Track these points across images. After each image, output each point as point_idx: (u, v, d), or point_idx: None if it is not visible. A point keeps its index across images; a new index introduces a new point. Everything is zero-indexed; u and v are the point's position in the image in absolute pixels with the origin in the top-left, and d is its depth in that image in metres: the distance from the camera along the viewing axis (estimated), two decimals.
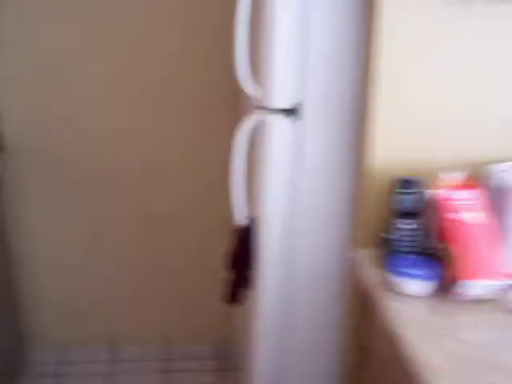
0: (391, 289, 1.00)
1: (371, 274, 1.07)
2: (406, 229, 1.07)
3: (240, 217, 1.29)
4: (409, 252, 1.05)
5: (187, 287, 2.09)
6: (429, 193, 1.07)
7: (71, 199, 1.98)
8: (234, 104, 1.82)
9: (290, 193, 1.19)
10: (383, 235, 1.10)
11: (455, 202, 1.02)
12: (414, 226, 1.07)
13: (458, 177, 1.05)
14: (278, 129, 1.15)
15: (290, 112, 1.13)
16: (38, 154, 1.92)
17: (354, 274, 1.16)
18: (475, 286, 0.96)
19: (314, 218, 1.22)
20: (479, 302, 0.97)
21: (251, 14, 1.19)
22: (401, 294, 0.99)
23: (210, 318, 2.09)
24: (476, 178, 1.07)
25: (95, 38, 1.81)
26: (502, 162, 1.08)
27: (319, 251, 1.24)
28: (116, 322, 2.13)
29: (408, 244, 1.07)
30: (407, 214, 1.07)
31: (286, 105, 1.13)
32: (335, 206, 1.21)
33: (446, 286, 0.99)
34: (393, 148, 1.10)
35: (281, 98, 1.13)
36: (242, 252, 1.31)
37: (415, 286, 0.99)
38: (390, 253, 1.07)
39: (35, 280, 2.05)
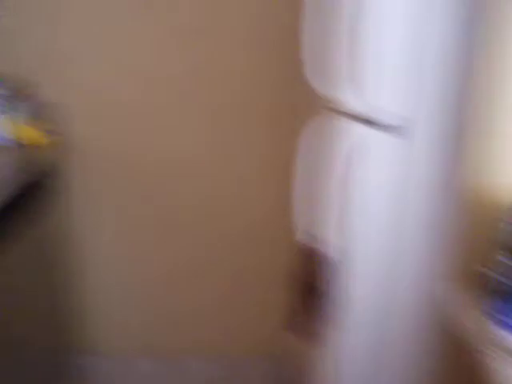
0: (494, 342, 0.82)
1: (467, 319, 0.89)
2: None
3: (303, 235, 1.16)
4: None
5: (243, 299, 2.06)
6: None
7: (135, 202, 1.98)
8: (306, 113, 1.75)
9: (382, 223, 1.05)
10: (484, 270, 0.95)
11: None
12: None
13: None
14: (381, 148, 1.02)
15: (397, 129, 1.01)
16: (104, 156, 1.92)
17: (446, 317, 1.01)
18: None
19: (406, 252, 1.07)
20: None
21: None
22: (508, 352, 0.79)
23: (265, 331, 2.06)
24: None
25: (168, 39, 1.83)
26: None
27: (411, 285, 1.09)
28: (169, 334, 2.10)
29: None
30: None
31: (392, 120, 1.00)
32: (428, 235, 1.07)
33: None
34: (506, 172, 0.97)
35: (386, 112, 1.00)
36: (308, 276, 1.18)
37: None
38: (492, 294, 0.91)
39: (89, 289, 2.04)
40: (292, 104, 1.85)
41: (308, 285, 1.18)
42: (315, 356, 1.33)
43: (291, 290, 1.21)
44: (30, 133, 1.73)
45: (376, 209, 1.05)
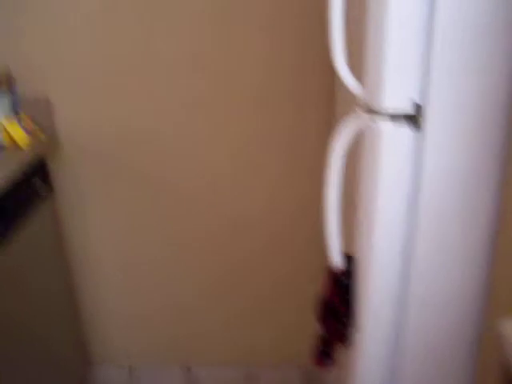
0: None
1: None
2: None
3: (335, 255, 0.99)
4: None
5: (272, 308, 1.94)
6: None
7: (131, 205, 1.81)
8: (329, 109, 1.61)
9: (405, 227, 0.89)
10: None
11: None
12: None
13: None
14: (392, 140, 0.85)
15: (409, 118, 0.84)
16: (95, 155, 1.75)
17: (493, 354, 0.84)
18: None
19: (435, 263, 0.91)
20: None
21: None
22: None
23: (296, 341, 1.95)
24: None
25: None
26: None
27: (440, 310, 0.93)
28: (192, 343, 1.99)
29: None
30: None
31: (403, 108, 0.83)
32: (466, 248, 0.90)
33: None
34: None
35: (396, 99, 0.83)
36: (337, 302, 1.01)
37: None
38: None
39: (102, 296, 1.93)
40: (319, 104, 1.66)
41: (333, 310, 1.02)
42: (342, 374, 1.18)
43: (318, 317, 1.06)
44: (11, 130, 1.56)
45: (393, 213, 0.88)
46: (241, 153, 1.72)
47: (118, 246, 1.85)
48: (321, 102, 1.65)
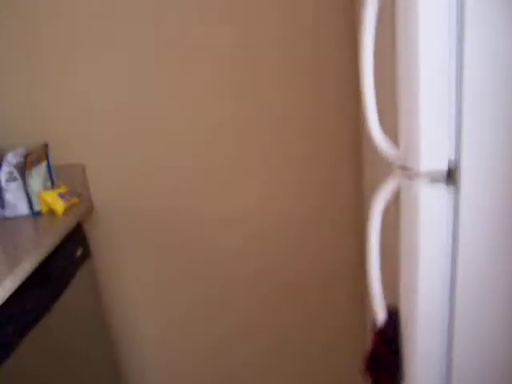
0: None
1: None
2: None
3: (378, 308, 1.02)
4: None
5: (313, 358, 1.94)
6: None
7: (166, 263, 1.86)
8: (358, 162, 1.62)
9: (446, 281, 0.91)
10: None
11: None
12: None
13: None
14: (429, 197, 0.88)
15: (446, 176, 0.87)
16: (129, 216, 1.81)
17: None
18: None
19: (479, 314, 0.93)
20: None
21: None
22: None
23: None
24: None
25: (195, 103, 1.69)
26: None
27: (487, 359, 0.94)
28: None
29: None
30: None
31: (439, 167, 0.86)
32: (507, 300, 0.92)
33: None
34: None
35: (431, 158, 0.86)
36: (383, 353, 1.03)
37: None
38: None
39: (140, 352, 1.96)
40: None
41: (381, 366, 1.04)
42: None
43: (366, 371, 1.07)
44: (48, 198, 1.62)
45: (433, 270, 0.91)
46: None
47: (153, 303, 1.88)
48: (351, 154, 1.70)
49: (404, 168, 0.91)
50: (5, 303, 1.25)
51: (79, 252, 1.70)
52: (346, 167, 1.71)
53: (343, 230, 1.77)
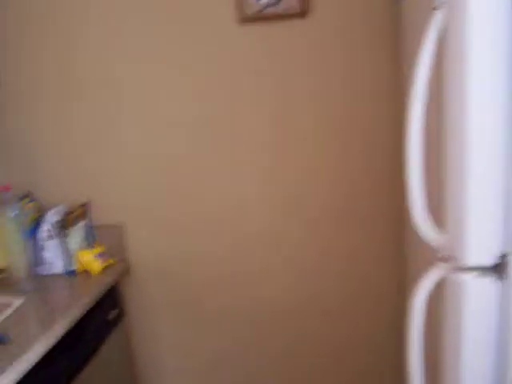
0: None
1: None
2: None
3: None
4: None
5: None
6: None
7: (199, 323, 1.83)
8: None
9: (496, 378, 0.86)
10: None
11: None
12: None
13: None
14: (475, 290, 0.84)
15: (494, 269, 0.83)
16: (162, 276, 1.79)
17: None
18: None
19: None
20: None
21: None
22: None
23: None
24: None
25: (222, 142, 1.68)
26: None
27: None
28: None
29: None
30: None
31: (487, 260, 0.83)
32: None
33: None
34: None
35: (480, 251, 0.83)
36: None
37: None
38: None
39: None
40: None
41: None
42: None
43: None
44: (84, 257, 1.63)
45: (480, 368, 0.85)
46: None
47: (188, 361, 1.85)
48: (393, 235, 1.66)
49: (449, 258, 0.87)
50: (35, 366, 1.24)
51: (114, 313, 1.69)
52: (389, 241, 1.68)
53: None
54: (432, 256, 0.99)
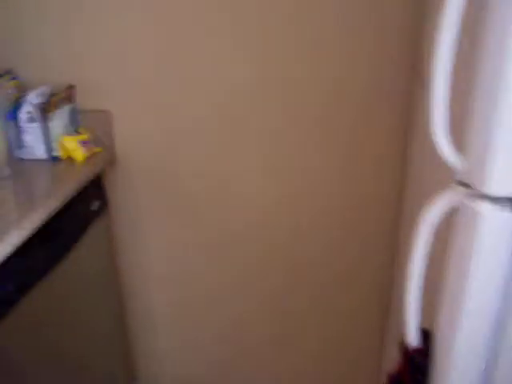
0: None
1: None
2: None
3: (411, 331, 0.91)
4: None
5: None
6: None
7: (187, 219, 1.76)
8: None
9: (498, 312, 0.80)
10: None
11: None
12: None
13: None
14: (491, 222, 0.75)
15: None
16: (151, 169, 1.70)
17: None
18: None
19: None
20: None
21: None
22: None
23: None
24: None
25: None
26: None
27: None
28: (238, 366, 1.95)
29: None
30: None
31: (508, 191, 0.73)
32: None
33: None
34: None
35: (502, 181, 0.73)
36: (407, 381, 0.93)
37: None
38: None
39: (152, 312, 1.90)
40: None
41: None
42: None
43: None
44: (67, 143, 1.52)
45: (486, 298, 0.79)
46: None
47: (171, 261, 1.80)
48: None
49: (466, 185, 0.78)
50: (8, 258, 1.18)
51: (97, 204, 1.61)
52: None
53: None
54: (446, 179, 0.89)
